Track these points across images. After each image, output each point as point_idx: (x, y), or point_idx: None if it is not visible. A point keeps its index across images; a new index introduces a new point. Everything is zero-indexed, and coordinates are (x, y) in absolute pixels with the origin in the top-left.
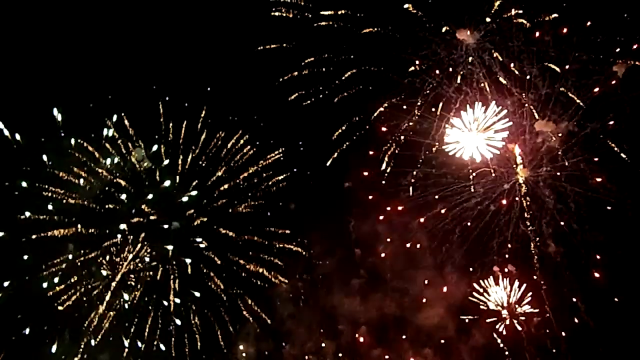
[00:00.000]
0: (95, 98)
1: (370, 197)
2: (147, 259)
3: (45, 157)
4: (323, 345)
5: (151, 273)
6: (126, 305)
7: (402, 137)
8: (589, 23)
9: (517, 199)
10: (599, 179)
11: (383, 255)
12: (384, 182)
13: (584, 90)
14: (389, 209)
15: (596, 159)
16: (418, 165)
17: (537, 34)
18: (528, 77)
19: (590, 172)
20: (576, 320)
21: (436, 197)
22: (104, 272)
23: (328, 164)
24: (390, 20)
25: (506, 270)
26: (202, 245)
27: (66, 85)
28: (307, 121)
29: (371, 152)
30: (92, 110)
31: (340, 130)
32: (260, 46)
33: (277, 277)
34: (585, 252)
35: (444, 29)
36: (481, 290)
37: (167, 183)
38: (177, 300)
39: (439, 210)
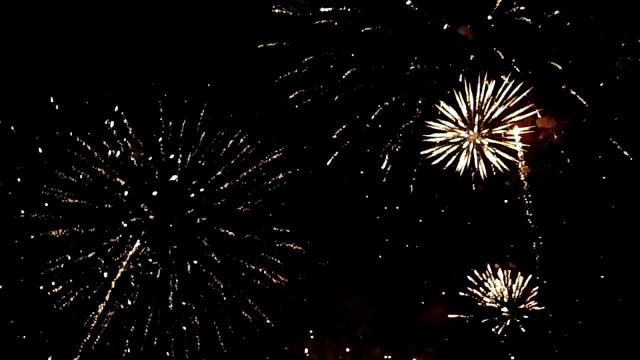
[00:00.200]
0: (93, 96)
1: (371, 195)
2: (146, 259)
3: (42, 156)
4: (324, 343)
5: (151, 273)
6: (126, 306)
7: (403, 135)
8: (591, 17)
9: (518, 196)
10: (601, 177)
11: (384, 252)
12: (384, 179)
13: (586, 86)
14: (386, 208)
15: (600, 157)
16: (419, 163)
17: (540, 28)
18: (530, 72)
19: (593, 170)
20: (579, 320)
21: (436, 194)
22: (103, 273)
23: (328, 163)
24: (391, 17)
25: (507, 269)
26: (202, 245)
27: (64, 83)
28: (307, 120)
29: (372, 150)
30: (91, 108)
31: (340, 129)
32: (261, 44)
33: (278, 276)
34: (588, 250)
35: (445, 26)
36: (482, 287)
37: (166, 182)
38: (177, 300)
39: (439, 208)
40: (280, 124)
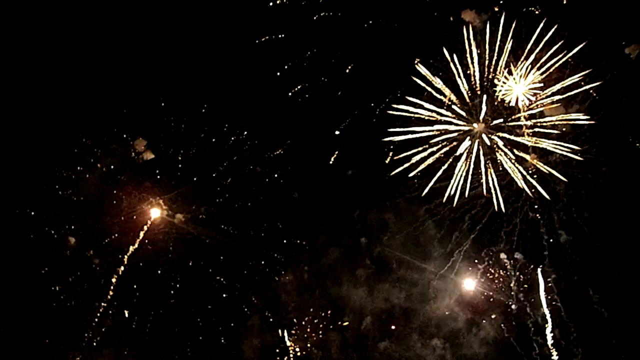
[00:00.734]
0: (97, 91)
1: (376, 186)
2: (150, 254)
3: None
4: (328, 337)
5: (154, 268)
6: (128, 301)
7: (408, 125)
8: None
9: (526, 186)
10: (610, 165)
11: (389, 244)
12: (391, 174)
13: (596, 73)
14: (388, 203)
15: (608, 144)
16: (424, 153)
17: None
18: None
19: (602, 158)
20: (588, 311)
21: (442, 184)
22: (107, 268)
23: (332, 159)
24: (393, 8)
25: (514, 260)
26: (204, 240)
27: (67, 79)
28: (311, 112)
29: (376, 141)
30: (91, 105)
31: (345, 123)
32: (263, 38)
33: (281, 270)
34: (597, 241)
35: (450, 18)
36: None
37: (170, 176)
38: (179, 295)
39: (446, 198)
40: (283, 117)
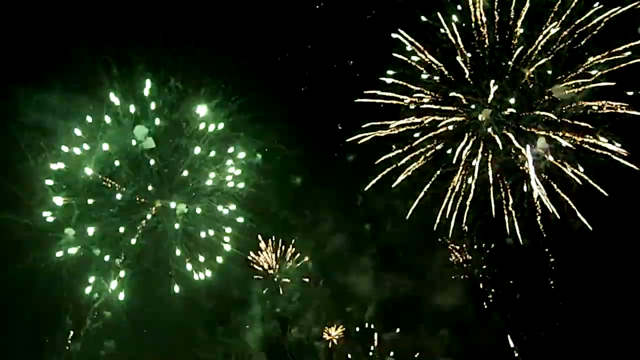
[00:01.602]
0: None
1: (380, 172)
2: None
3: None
4: (331, 328)
5: (155, 258)
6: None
7: (412, 110)
8: None
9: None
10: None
11: (395, 231)
12: (400, 163)
13: (607, 55)
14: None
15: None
16: (429, 137)
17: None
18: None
19: (612, 142)
20: (599, 300)
21: (448, 169)
22: (106, 257)
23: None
24: None
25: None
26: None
27: (69, 59)
28: (313, 97)
29: (379, 129)
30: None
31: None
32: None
33: (284, 258)
34: (612, 229)
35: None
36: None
37: (171, 163)
38: (181, 286)
39: (452, 184)
40: (285, 103)
